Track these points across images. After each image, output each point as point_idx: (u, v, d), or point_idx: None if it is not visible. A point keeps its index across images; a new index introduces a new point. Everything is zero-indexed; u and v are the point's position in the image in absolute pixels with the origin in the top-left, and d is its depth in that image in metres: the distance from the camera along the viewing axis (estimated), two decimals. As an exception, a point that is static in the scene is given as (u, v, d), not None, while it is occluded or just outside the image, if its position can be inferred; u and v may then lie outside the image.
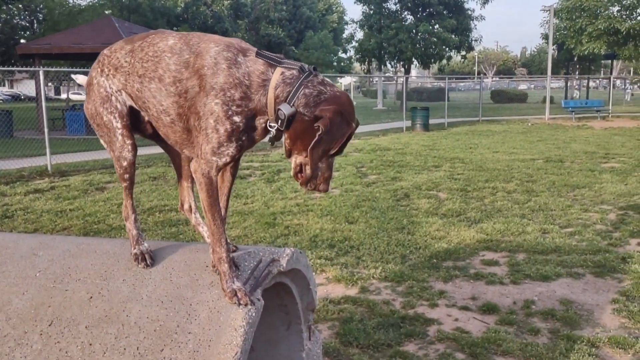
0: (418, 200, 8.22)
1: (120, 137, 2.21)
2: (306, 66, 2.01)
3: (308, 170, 1.98)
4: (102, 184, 9.67)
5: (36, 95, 19.02)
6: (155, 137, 2.34)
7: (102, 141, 2.30)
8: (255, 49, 2.06)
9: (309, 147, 1.90)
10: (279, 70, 1.98)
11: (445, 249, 5.85)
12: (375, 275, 5.07)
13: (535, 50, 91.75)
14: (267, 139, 2.08)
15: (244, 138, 2.02)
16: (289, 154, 2.02)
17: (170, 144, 2.23)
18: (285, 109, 1.92)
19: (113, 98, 2.22)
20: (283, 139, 2.03)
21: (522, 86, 77.10)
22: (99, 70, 2.27)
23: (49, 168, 10.98)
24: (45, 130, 11.29)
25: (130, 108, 2.25)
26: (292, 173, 2.05)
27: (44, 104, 11.75)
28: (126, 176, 2.26)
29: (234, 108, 1.96)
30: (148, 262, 2.11)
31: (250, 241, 6.14)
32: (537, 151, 14.06)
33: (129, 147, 2.22)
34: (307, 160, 1.95)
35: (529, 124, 23.86)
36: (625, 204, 7.94)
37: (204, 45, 2.05)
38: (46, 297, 1.88)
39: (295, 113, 1.93)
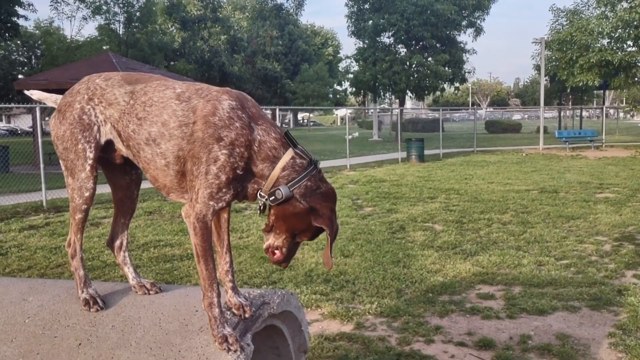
0: (414, 233, 8.22)
1: (88, 168, 2.22)
2: (314, 158, 2.13)
3: (283, 252, 2.14)
4: (97, 219, 9.64)
5: (33, 131, 19.11)
6: (110, 170, 2.38)
7: (62, 166, 2.29)
8: (270, 121, 2.16)
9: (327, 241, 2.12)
10: (290, 153, 2.08)
11: (441, 283, 5.83)
12: (370, 311, 5.03)
13: (528, 81, 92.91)
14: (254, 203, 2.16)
15: (239, 189, 2.09)
16: (269, 229, 2.14)
17: (157, 186, 2.24)
18: (285, 191, 2.04)
19: (95, 128, 2.24)
20: (268, 213, 2.14)
21: (516, 116, 77.81)
22: (86, 97, 2.27)
23: (44, 203, 10.96)
24: (41, 165, 11.32)
25: (107, 142, 2.27)
26: (264, 247, 2.16)
27: (40, 139, 11.78)
28: (84, 207, 2.25)
29: (239, 163, 2.03)
30: (100, 304, 2.10)
31: (245, 276, 6.11)
32: (531, 182, 14.11)
33: (94, 179, 2.24)
34: (284, 243, 2.12)
35: (524, 154, 24.01)
36: (620, 235, 7.95)
37: (216, 94, 2.11)
38: (35, 345, 1.87)
39: (291, 197, 2.05)
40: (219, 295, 2.03)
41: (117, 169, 2.42)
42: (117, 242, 2.47)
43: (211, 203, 2.02)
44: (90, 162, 2.22)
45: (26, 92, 2.59)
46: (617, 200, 10.85)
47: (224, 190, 2.03)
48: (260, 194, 2.08)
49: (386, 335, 4.52)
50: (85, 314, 2.00)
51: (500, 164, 19.36)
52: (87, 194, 2.23)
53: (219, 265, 2.27)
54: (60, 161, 2.30)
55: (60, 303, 2.05)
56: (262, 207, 2.11)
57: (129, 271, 2.37)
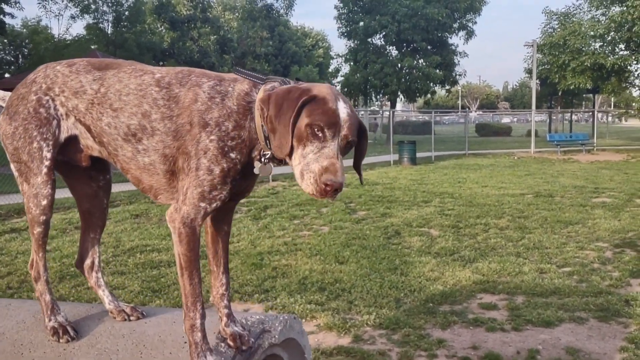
0: (409, 238, 7.98)
1: (45, 170, 1.89)
2: (288, 80, 1.82)
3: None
4: (76, 220, 9.30)
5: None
6: (72, 176, 2.05)
7: (15, 170, 1.95)
8: (247, 74, 1.85)
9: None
10: (262, 89, 1.78)
11: (441, 292, 5.59)
12: (369, 322, 4.78)
13: (517, 84, 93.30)
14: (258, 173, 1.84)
15: (237, 179, 1.79)
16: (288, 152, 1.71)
17: (141, 189, 1.94)
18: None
19: (55, 123, 1.92)
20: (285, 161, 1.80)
21: (505, 119, 78.01)
22: (44, 86, 1.95)
23: (27, 206, 10.60)
24: (24, 166, 10.94)
25: (68, 139, 1.96)
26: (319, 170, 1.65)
27: (23, 139, 11.43)
28: (42, 219, 1.92)
29: (229, 143, 1.74)
30: (72, 334, 1.80)
31: (237, 284, 5.83)
32: (526, 185, 13.94)
33: (52, 183, 1.91)
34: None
35: (516, 158, 23.89)
36: (621, 241, 7.76)
37: (195, 79, 1.84)
38: (-7, 381, 1.60)
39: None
40: (202, 317, 1.76)
41: (81, 175, 2.10)
42: (88, 262, 2.16)
43: (202, 205, 1.74)
44: (47, 163, 1.89)
45: None
46: (615, 205, 10.68)
47: (218, 187, 1.74)
48: (263, 154, 1.77)
49: (386, 350, 4.26)
50: (53, 345, 1.72)
51: (493, 168, 19.20)
52: (44, 202, 1.90)
53: (213, 287, 2.00)
54: (12, 165, 1.96)
55: (26, 331, 1.77)
56: (266, 165, 1.79)
57: (104, 294, 2.07)
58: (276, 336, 1.78)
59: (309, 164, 1.63)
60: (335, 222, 9.20)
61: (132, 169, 1.91)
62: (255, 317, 1.86)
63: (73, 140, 1.97)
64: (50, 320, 1.86)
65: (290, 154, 1.68)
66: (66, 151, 1.97)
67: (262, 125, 1.73)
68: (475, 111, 75.24)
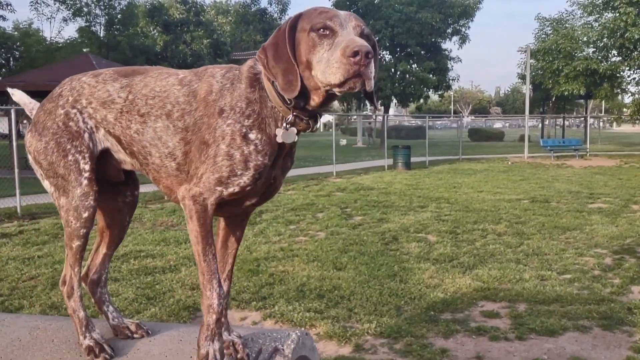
0: (407, 244, 7.89)
1: (85, 182, 1.81)
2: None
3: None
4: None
5: (8, 133, 18.48)
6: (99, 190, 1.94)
7: (50, 187, 1.88)
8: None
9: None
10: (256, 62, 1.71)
11: (442, 299, 5.50)
12: (369, 331, 4.68)
13: (509, 89, 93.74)
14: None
15: (262, 165, 1.67)
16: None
17: (173, 199, 1.84)
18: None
19: (86, 135, 1.85)
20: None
21: (497, 124, 78.39)
22: (70, 99, 1.88)
23: (19, 210, 10.42)
24: (16, 170, 10.76)
25: (101, 153, 1.89)
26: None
27: (14, 142, 11.25)
28: (82, 232, 1.82)
29: (246, 122, 1.65)
30: (109, 352, 1.71)
31: (234, 291, 5.71)
32: (521, 191, 13.91)
33: (94, 194, 1.82)
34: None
35: (509, 163, 23.90)
36: (620, 248, 7.71)
37: (211, 71, 1.78)
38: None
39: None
40: (220, 296, 1.69)
41: (109, 190, 2.02)
42: (94, 277, 2.06)
43: (218, 189, 1.66)
44: (86, 174, 1.82)
45: (9, 89, 2.16)
46: (611, 210, 10.65)
47: (238, 172, 1.64)
48: (285, 121, 1.66)
49: None
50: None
51: (488, 172, 19.18)
52: (85, 215, 1.81)
53: None
54: (46, 182, 1.89)
55: (21, 349, 1.66)
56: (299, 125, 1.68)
57: (107, 310, 1.97)
58: (289, 355, 1.67)
59: (328, 59, 1.52)
60: (332, 227, 9.10)
61: (163, 177, 1.83)
62: (267, 334, 1.75)
63: (105, 154, 1.90)
64: (85, 338, 1.76)
65: (303, 94, 1.60)
66: (99, 166, 1.89)
67: (272, 84, 1.65)
68: (469, 116, 75.44)
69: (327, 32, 1.55)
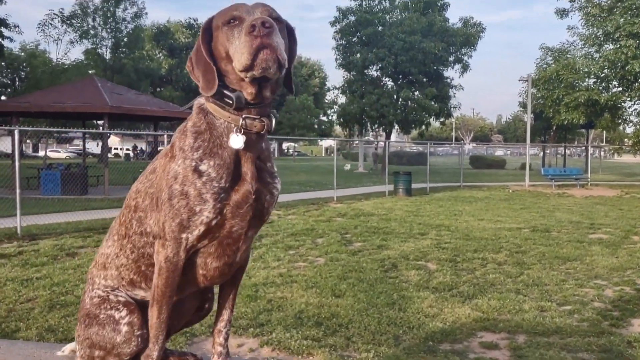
0: (407, 272, 7.86)
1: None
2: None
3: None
4: (73, 249, 9.15)
5: (12, 153, 18.55)
6: None
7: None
8: None
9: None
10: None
11: (441, 329, 5.46)
12: (367, 360, 4.64)
13: (511, 117, 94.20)
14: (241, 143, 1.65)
15: (222, 194, 1.61)
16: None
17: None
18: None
19: None
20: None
21: (499, 152, 78.60)
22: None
23: (19, 230, 10.41)
24: (17, 190, 10.78)
25: None
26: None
27: (17, 163, 11.31)
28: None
29: (195, 156, 1.62)
30: None
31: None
32: (522, 219, 13.89)
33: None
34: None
35: (510, 191, 23.90)
36: (620, 279, 7.67)
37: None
38: None
39: None
40: (160, 350, 1.71)
41: None
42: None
43: (183, 236, 1.61)
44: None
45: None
46: (612, 241, 10.62)
47: (197, 209, 1.59)
48: (236, 130, 1.65)
49: (386, 390, 4.13)
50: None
51: (489, 200, 19.17)
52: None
53: (215, 320, 1.91)
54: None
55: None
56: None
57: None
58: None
59: (237, 44, 1.54)
60: (331, 253, 9.08)
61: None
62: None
63: None
64: None
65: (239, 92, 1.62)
66: None
67: (212, 101, 1.66)
68: (470, 143, 75.67)
69: (236, 22, 1.57)
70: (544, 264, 8.51)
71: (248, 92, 1.61)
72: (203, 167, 1.61)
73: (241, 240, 1.71)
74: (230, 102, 1.62)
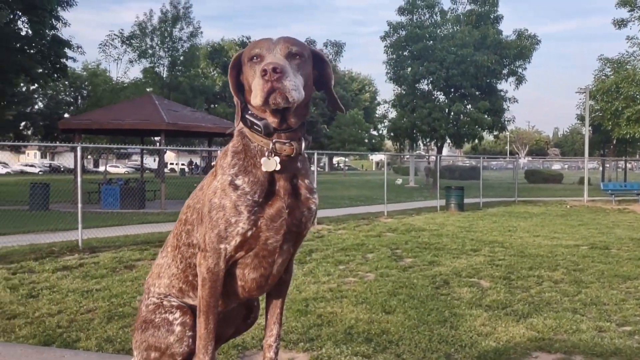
0: (459, 289, 7.74)
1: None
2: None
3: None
4: (131, 261, 9.46)
5: (74, 168, 19.38)
6: None
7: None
8: None
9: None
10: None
11: (494, 348, 5.35)
12: (417, 378, 4.60)
13: (568, 130, 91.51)
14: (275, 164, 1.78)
15: (256, 208, 1.72)
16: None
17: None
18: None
19: None
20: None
21: (556, 166, 76.37)
22: None
23: (80, 243, 10.87)
24: (79, 205, 11.26)
25: None
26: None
27: (79, 178, 11.83)
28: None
29: (232, 171, 1.75)
30: None
31: (282, 331, 5.73)
32: (580, 236, 13.45)
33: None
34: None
35: (568, 206, 23.18)
36: (686, 300, 7.31)
37: None
38: None
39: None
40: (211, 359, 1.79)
41: None
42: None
43: (221, 247, 1.72)
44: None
45: None
46: (677, 260, 10.13)
47: (233, 220, 1.70)
48: (267, 153, 1.79)
49: (437, 409, 4.08)
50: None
51: (545, 216, 18.65)
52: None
53: (264, 334, 1.96)
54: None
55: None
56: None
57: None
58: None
59: (255, 83, 1.65)
60: (382, 269, 9.05)
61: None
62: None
63: None
64: None
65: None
66: None
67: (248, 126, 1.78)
68: (525, 157, 73.85)
69: (258, 59, 1.68)
70: (602, 283, 8.21)
71: (272, 120, 1.73)
72: (238, 182, 1.74)
73: (276, 253, 1.80)
74: (259, 129, 1.73)
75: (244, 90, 1.78)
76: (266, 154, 1.74)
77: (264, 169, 1.74)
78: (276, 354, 1.94)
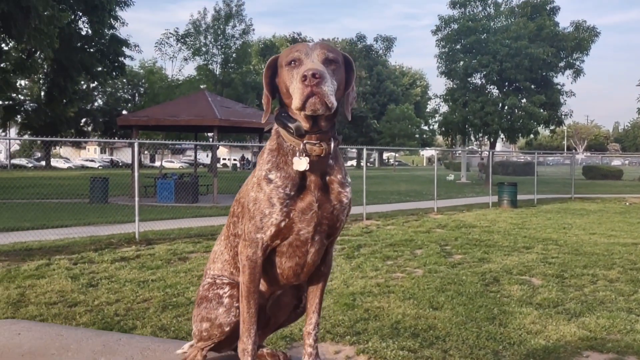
0: (509, 286, 7.63)
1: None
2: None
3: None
4: (185, 253, 9.77)
5: (132, 164, 20.08)
6: None
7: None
8: None
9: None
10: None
11: (544, 347, 5.28)
12: (464, 374, 4.59)
13: (629, 125, 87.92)
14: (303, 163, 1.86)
15: (287, 200, 1.85)
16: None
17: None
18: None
19: None
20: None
21: (615, 162, 73.49)
22: None
23: (137, 235, 11.29)
24: (136, 199, 11.69)
25: None
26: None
27: (136, 173, 12.27)
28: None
29: (266, 167, 1.89)
30: None
31: (328, 324, 5.83)
32: (638, 234, 12.96)
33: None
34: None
35: (627, 203, 22.33)
36: None
37: None
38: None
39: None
40: (255, 343, 1.92)
41: None
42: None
43: (258, 236, 1.86)
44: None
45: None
46: None
47: (267, 211, 1.84)
48: (298, 153, 1.87)
49: (482, 405, 4.07)
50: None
51: (602, 213, 18.05)
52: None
53: (305, 324, 2.05)
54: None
55: (134, 366, 1.88)
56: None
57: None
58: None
59: (294, 87, 1.73)
60: (430, 265, 9.01)
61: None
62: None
63: None
64: None
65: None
66: None
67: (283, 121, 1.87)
68: (583, 152, 71.43)
69: (296, 64, 1.78)
70: (662, 283, 7.92)
71: (304, 123, 1.84)
72: (271, 176, 1.87)
73: (309, 243, 1.92)
74: (292, 131, 1.85)
75: (277, 92, 1.90)
76: (297, 154, 1.86)
77: (294, 167, 1.86)
78: (315, 340, 2.04)
